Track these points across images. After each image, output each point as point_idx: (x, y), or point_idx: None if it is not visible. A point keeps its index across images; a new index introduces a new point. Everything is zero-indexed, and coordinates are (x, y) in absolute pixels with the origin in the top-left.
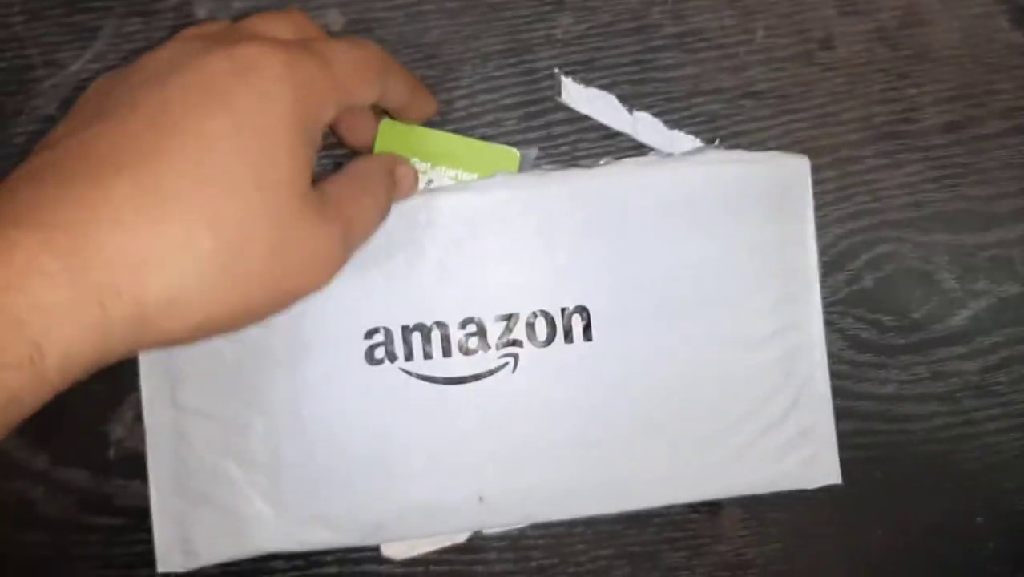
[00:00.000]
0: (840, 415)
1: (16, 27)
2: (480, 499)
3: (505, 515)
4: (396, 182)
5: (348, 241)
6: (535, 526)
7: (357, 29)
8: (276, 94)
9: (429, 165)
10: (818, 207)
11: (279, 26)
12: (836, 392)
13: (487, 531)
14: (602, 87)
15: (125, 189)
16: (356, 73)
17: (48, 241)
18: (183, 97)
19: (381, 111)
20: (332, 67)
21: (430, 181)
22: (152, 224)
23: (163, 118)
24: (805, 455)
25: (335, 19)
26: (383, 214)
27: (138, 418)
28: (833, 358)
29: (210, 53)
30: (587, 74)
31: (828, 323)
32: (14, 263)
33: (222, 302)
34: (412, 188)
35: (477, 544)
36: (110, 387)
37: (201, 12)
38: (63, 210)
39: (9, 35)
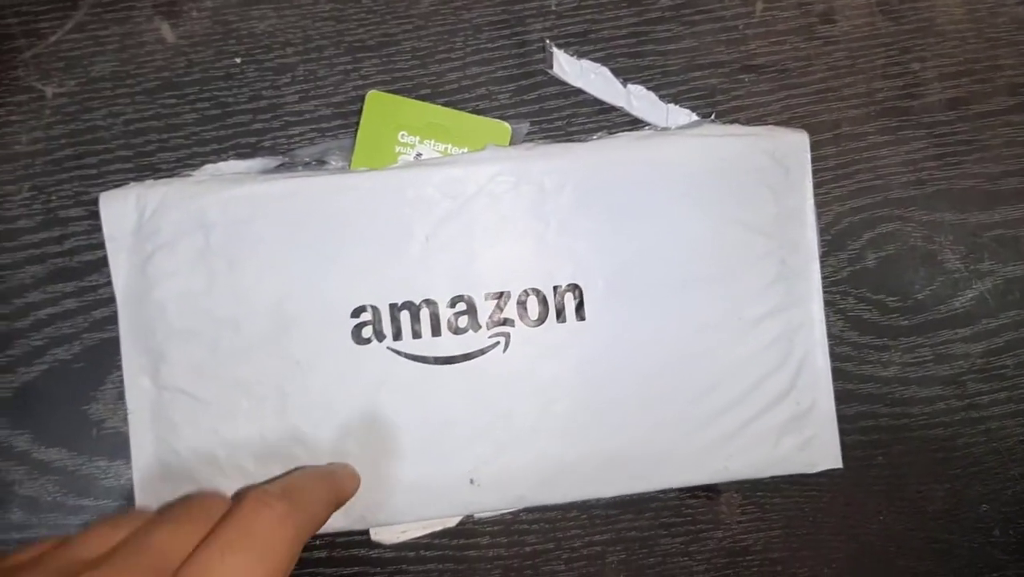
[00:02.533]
0: (841, 398)
1: None
2: (471, 481)
3: (497, 498)
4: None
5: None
6: (529, 510)
7: None
8: None
9: (418, 139)
10: (818, 185)
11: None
12: (837, 374)
13: (479, 515)
14: (597, 60)
15: None
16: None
17: None
18: None
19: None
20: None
21: (418, 155)
22: None
23: None
24: (804, 437)
25: None
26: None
27: (121, 397)
28: (834, 340)
29: None
30: (581, 47)
31: (829, 303)
32: None
33: None
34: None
35: (469, 529)
36: (91, 365)
37: None
38: None
39: None
